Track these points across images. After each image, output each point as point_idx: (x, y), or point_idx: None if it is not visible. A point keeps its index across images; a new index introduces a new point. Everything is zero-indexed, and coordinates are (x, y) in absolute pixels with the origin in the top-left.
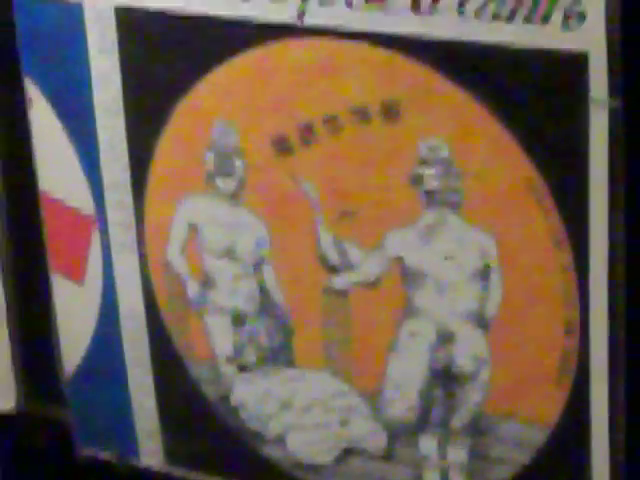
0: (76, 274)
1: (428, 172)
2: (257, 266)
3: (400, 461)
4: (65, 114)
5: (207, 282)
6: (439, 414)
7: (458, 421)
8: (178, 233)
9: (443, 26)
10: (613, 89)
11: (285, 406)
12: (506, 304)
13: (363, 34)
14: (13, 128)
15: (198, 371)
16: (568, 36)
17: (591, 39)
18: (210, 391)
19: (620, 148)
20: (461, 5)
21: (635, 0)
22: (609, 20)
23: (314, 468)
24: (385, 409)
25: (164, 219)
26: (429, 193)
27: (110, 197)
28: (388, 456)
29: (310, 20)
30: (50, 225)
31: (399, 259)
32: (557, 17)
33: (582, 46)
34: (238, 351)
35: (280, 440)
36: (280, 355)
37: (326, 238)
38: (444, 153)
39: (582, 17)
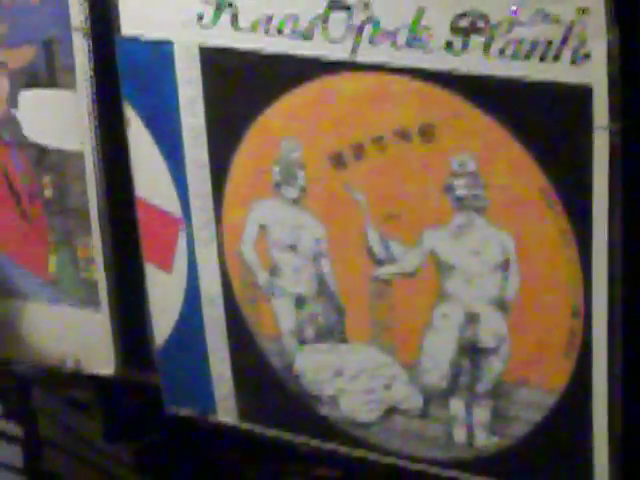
0: (165, 264)
1: (458, 183)
2: (316, 258)
3: (434, 419)
4: (158, 133)
5: (274, 271)
6: (466, 381)
7: (482, 387)
8: (250, 232)
9: (472, 63)
10: (613, 116)
11: (338, 374)
12: (522, 291)
13: (405, 69)
14: (117, 143)
15: (266, 345)
16: (575, 71)
17: (595, 74)
18: (276, 361)
19: (618, 165)
20: (486, 46)
21: (632, 43)
22: (610, 59)
23: (363, 425)
24: (421, 377)
25: (238, 220)
26: (459, 199)
27: (194, 202)
28: (423, 415)
29: (361, 57)
30: (144, 224)
31: (434, 253)
32: (566, 56)
33: (587, 80)
34: (299, 328)
35: (334, 402)
36: (334, 332)
37: (374, 236)
38: (472, 167)
39: (587, 56)
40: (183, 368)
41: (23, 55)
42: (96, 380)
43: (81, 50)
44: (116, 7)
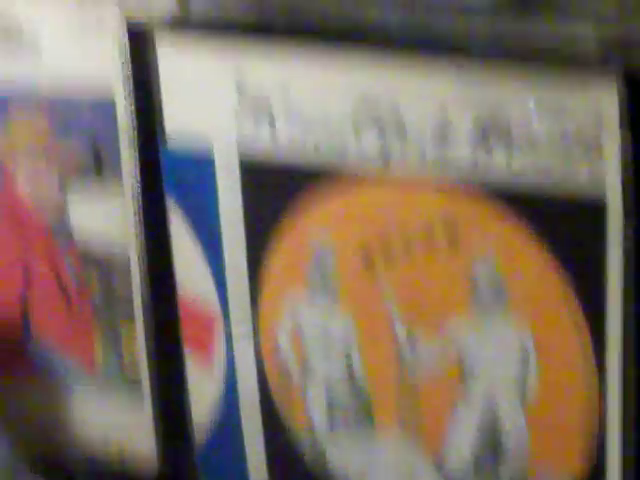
0: (204, 359)
1: (481, 282)
2: (346, 354)
3: None
4: (199, 234)
5: (307, 365)
6: (488, 467)
7: (503, 472)
8: (285, 328)
9: (496, 169)
10: (627, 224)
11: (367, 465)
12: (540, 386)
13: (432, 175)
14: (158, 240)
15: (299, 435)
16: (592, 187)
17: (610, 189)
18: (308, 452)
19: (632, 268)
20: (510, 153)
21: None
22: (624, 178)
23: None
24: (445, 464)
25: (274, 317)
26: (481, 297)
27: (232, 300)
28: None
29: (392, 164)
30: (184, 319)
31: (457, 349)
32: (584, 166)
33: (603, 194)
34: (330, 420)
35: None
36: (363, 422)
37: (401, 332)
38: (493, 267)
39: (603, 174)
40: (221, 465)
41: (74, 157)
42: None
43: (128, 157)
44: (161, 117)
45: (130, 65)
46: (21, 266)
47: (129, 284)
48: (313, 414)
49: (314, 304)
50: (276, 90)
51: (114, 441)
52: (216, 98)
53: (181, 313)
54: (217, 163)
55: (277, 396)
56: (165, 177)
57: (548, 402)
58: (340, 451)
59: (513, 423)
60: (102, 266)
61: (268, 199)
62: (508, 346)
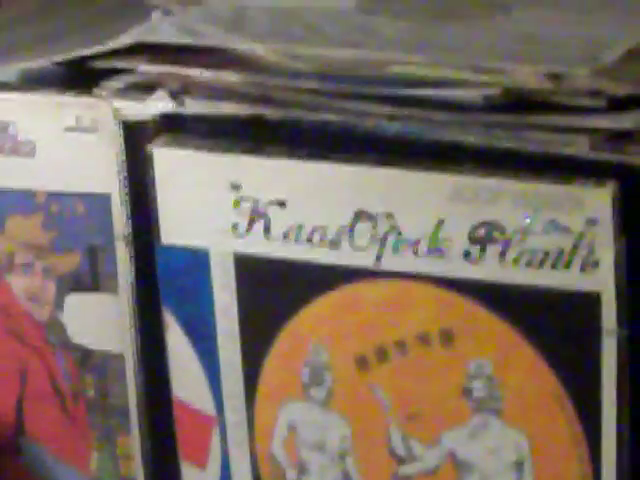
0: (200, 461)
1: (475, 385)
2: (341, 456)
3: None
4: (194, 336)
5: (302, 469)
6: None
7: None
8: (280, 431)
9: (488, 271)
10: (620, 322)
11: None
12: None
13: (426, 276)
14: (156, 345)
15: None
16: (585, 279)
17: (603, 281)
18: None
19: (626, 368)
20: (502, 255)
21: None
22: (618, 267)
23: None
24: None
25: (269, 419)
26: (476, 401)
27: (227, 402)
28: None
29: (385, 265)
30: (180, 422)
31: (452, 452)
32: (576, 264)
33: (596, 287)
34: None
35: None
36: None
37: (396, 435)
38: (488, 370)
39: (596, 264)
40: None
41: (69, 261)
42: None
43: (123, 257)
44: (156, 217)
45: (125, 165)
46: (17, 368)
47: (124, 389)
48: None
49: (309, 406)
50: (270, 196)
51: None
52: (211, 199)
53: (176, 416)
54: (212, 264)
55: None
56: (160, 277)
57: None
58: None
59: None
60: (97, 371)
61: (263, 299)
62: (503, 450)
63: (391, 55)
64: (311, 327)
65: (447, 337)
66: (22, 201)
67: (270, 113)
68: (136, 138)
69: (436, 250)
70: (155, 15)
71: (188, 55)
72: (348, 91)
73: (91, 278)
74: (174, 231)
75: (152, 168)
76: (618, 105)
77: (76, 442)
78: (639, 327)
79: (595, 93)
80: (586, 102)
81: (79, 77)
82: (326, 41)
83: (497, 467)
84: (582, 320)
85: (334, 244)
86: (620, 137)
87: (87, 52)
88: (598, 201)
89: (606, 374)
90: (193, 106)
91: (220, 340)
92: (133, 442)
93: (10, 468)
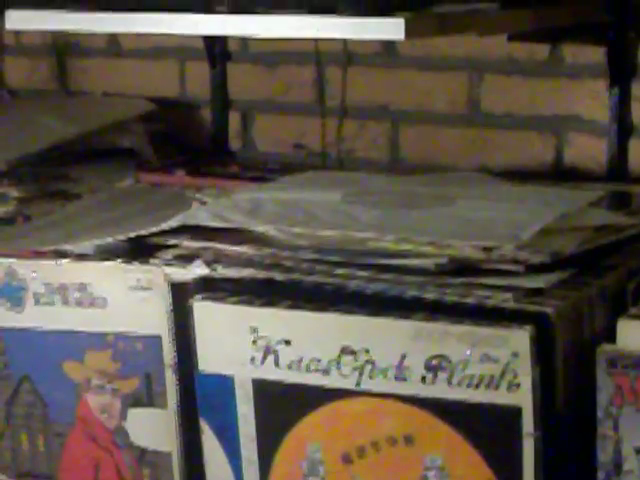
0: None
1: (430, 474)
2: None
3: None
4: (223, 439)
5: None
6: None
7: None
8: None
9: (439, 391)
10: (537, 428)
11: None
12: None
13: (394, 395)
14: (193, 445)
15: None
16: (510, 396)
17: (524, 399)
18: None
19: (541, 464)
20: (449, 379)
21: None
22: (534, 388)
23: None
24: None
25: None
26: None
27: None
28: None
29: (363, 387)
30: None
31: None
32: (504, 386)
33: (518, 402)
34: None
35: None
36: None
37: None
38: (439, 463)
39: (518, 386)
40: None
41: (131, 384)
42: None
43: (170, 382)
44: (195, 352)
45: (173, 314)
46: (92, 463)
47: (172, 478)
48: None
49: None
50: (279, 336)
51: None
52: (235, 339)
53: None
54: (236, 387)
55: None
56: (198, 396)
57: None
58: None
59: None
60: (152, 465)
61: (274, 411)
62: None
63: (368, 235)
64: (309, 432)
65: (409, 439)
66: (97, 340)
67: (279, 276)
68: (181, 295)
69: (401, 376)
70: (194, 205)
71: (219, 234)
72: (337, 261)
73: (147, 397)
74: (208, 362)
75: (192, 316)
76: (535, 269)
77: None
78: (550, 432)
79: (517, 261)
80: (511, 267)
81: (139, 250)
82: (320, 224)
83: None
84: (508, 426)
85: (326, 372)
86: (536, 292)
87: (145, 232)
88: (520, 340)
89: (527, 465)
90: (223, 271)
91: (242, 442)
92: None
93: None
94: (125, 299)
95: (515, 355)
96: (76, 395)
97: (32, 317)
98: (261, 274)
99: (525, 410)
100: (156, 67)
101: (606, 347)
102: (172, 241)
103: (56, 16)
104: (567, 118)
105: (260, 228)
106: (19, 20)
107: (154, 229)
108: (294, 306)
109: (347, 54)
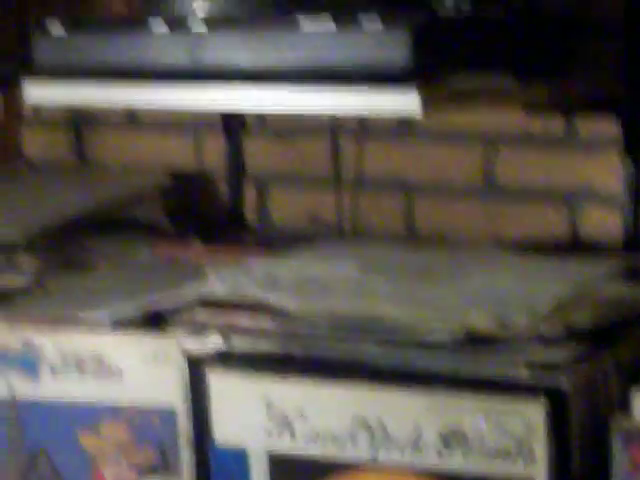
0: None
1: None
2: None
3: None
4: None
5: None
6: None
7: None
8: None
9: (455, 464)
10: None
11: None
12: None
13: (410, 467)
14: None
15: None
16: (526, 469)
17: (538, 471)
18: None
19: None
20: (465, 453)
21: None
22: (549, 460)
23: None
24: None
25: None
26: None
27: None
28: None
29: (380, 460)
30: None
31: None
32: (519, 459)
33: (533, 475)
34: None
35: None
36: None
37: None
38: None
39: (533, 459)
40: None
41: (146, 455)
42: None
43: (185, 452)
44: (211, 423)
45: (188, 386)
46: None
47: None
48: None
49: None
50: (295, 409)
51: None
52: (251, 411)
53: None
54: (251, 458)
55: None
56: (213, 465)
57: None
58: None
59: None
60: None
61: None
62: None
63: (383, 307)
64: None
65: None
66: (112, 412)
67: (294, 349)
68: (196, 366)
69: (416, 449)
70: (210, 277)
71: (235, 306)
72: (352, 333)
73: (162, 468)
74: (223, 434)
75: (207, 388)
76: (550, 342)
77: None
78: None
79: (532, 334)
80: (526, 340)
81: (155, 321)
82: (335, 296)
83: None
84: None
85: (341, 444)
86: (551, 366)
87: (161, 304)
88: (535, 413)
89: None
90: (238, 344)
91: None
92: None
93: None
94: (140, 370)
95: (530, 428)
96: (91, 467)
97: (47, 387)
98: (276, 346)
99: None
100: (173, 139)
101: (621, 421)
102: (188, 313)
103: (74, 90)
104: (582, 191)
105: (275, 299)
106: (38, 95)
107: (170, 301)
108: (309, 378)
109: (362, 127)
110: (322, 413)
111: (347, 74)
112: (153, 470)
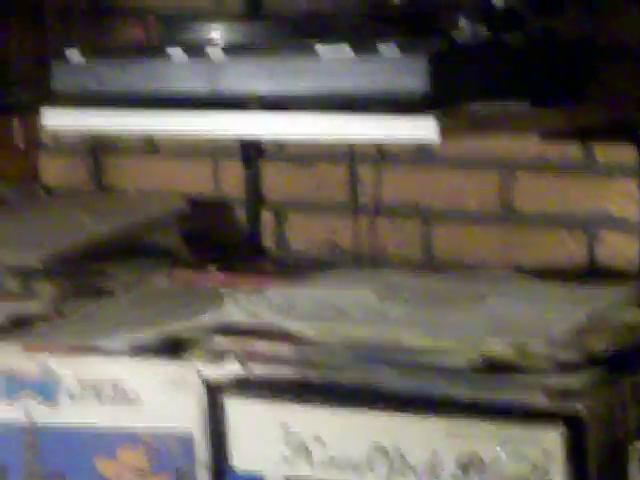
0: None
1: None
2: None
3: None
4: None
5: None
6: None
7: None
8: None
9: None
10: None
11: None
12: None
13: None
14: None
15: None
16: None
17: None
18: None
19: None
20: (481, 478)
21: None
22: None
23: None
24: None
25: None
26: None
27: None
28: None
29: None
30: None
31: None
32: None
33: None
34: None
35: None
36: None
37: None
38: None
39: None
40: None
41: None
42: None
43: (203, 478)
44: (228, 449)
45: (205, 411)
46: None
47: None
48: None
49: None
50: (312, 436)
51: None
52: (268, 436)
53: None
54: None
55: None
56: None
57: None
58: None
59: None
60: None
61: None
62: None
63: (400, 332)
64: None
65: None
66: (130, 437)
67: (311, 374)
68: (214, 392)
69: (433, 474)
70: (228, 302)
71: (252, 331)
72: (369, 358)
73: None
74: (241, 459)
75: (225, 414)
76: (567, 368)
77: None
78: None
79: (550, 359)
80: (543, 366)
81: (173, 347)
82: (353, 322)
83: None
84: None
85: (358, 469)
86: (568, 391)
87: (179, 329)
88: (552, 439)
89: None
90: (256, 369)
91: None
92: None
93: None
94: (158, 396)
95: (547, 454)
96: None
97: (65, 413)
98: (294, 372)
99: None
100: (191, 165)
101: (639, 446)
102: (205, 338)
103: (92, 115)
104: (599, 216)
105: (293, 326)
106: (57, 122)
107: (188, 326)
108: (326, 404)
109: (380, 153)
110: (340, 439)
111: (365, 101)
112: None
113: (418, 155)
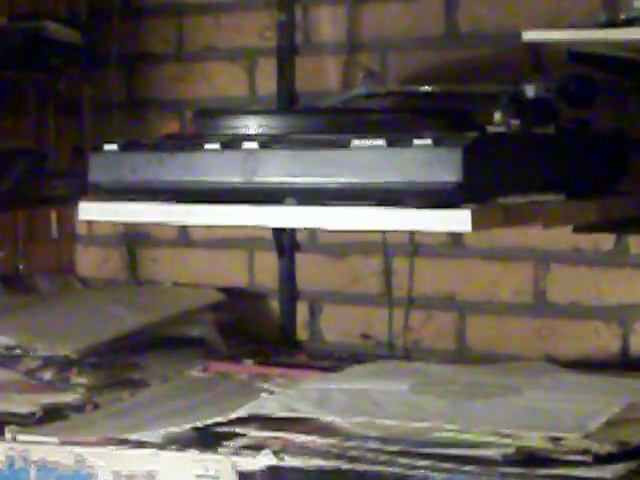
0: None
1: None
2: None
3: None
4: None
5: None
6: None
7: None
8: None
9: None
10: None
11: None
12: None
13: None
14: None
15: None
16: None
17: None
18: None
19: None
20: None
21: None
22: None
23: None
24: None
25: None
26: None
27: None
28: None
29: None
30: None
31: None
32: None
33: None
34: None
35: None
36: None
37: None
38: None
39: None
40: None
41: None
42: None
43: None
44: None
45: None
46: None
47: None
48: None
49: None
50: None
51: None
52: None
53: None
54: None
55: None
56: None
57: None
58: None
59: None
60: None
61: None
62: None
63: (432, 424)
64: None
65: None
66: None
67: (345, 466)
68: None
69: None
70: (262, 394)
71: (287, 423)
72: (401, 450)
73: None
74: None
75: None
76: (602, 459)
77: None
78: None
79: (585, 451)
80: (578, 458)
81: (207, 439)
82: (386, 414)
83: None
84: None
85: None
86: None
87: (213, 422)
88: None
89: None
90: (290, 461)
91: None
92: None
93: None
94: None
95: None
96: None
97: None
98: (327, 464)
99: None
100: (225, 257)
101: None
102: (240, 430)
103: (127, 207)
104: (633, 307)
105: (327, 418)
106: (92, 212)
107: (222, 418)
108: None
109: (414, 245)
110: None
111: (398, 192)
112: None
113: (452, 247)
